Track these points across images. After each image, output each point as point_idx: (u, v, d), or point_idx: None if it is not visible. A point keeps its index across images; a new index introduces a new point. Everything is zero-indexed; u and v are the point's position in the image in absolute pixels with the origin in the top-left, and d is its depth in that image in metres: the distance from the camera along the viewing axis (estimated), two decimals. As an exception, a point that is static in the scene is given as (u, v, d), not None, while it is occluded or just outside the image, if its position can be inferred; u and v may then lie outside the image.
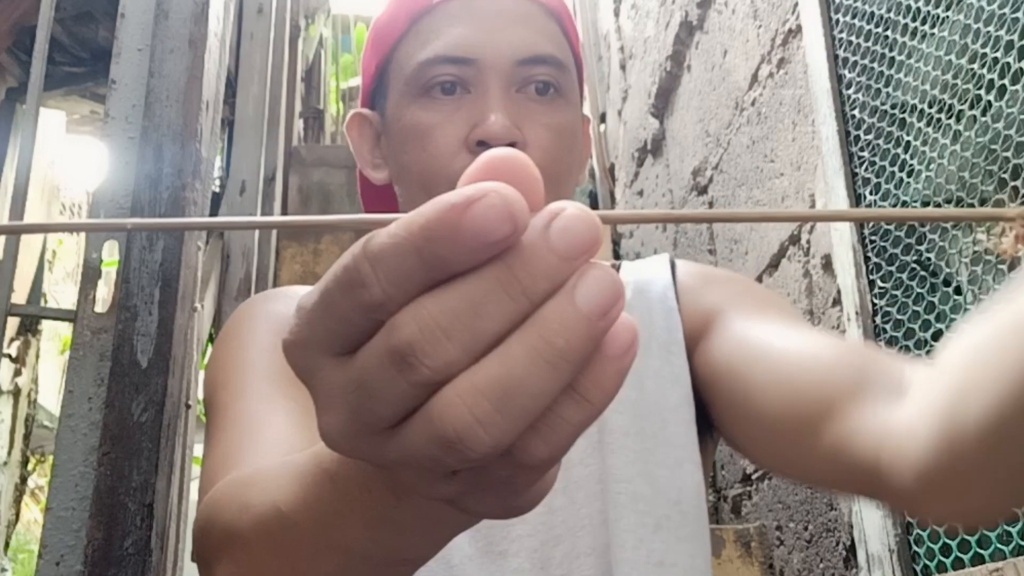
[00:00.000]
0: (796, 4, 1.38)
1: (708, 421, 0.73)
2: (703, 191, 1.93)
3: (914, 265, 1.05)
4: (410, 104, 0.74)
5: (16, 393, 3.41)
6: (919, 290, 1.03)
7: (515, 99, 0.72)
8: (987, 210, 0.30)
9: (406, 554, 0.35)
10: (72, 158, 5.04)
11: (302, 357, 0.27)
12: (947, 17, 0.98)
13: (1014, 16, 0.85)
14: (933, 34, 1.01)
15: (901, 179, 1.07)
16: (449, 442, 0.25)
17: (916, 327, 1.03)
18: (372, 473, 0.33)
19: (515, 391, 0.24)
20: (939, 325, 0.99)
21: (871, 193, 1.14)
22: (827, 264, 1.29)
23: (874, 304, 1.13)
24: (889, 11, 1.11)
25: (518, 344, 0.25)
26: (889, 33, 1.11)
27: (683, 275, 0.79)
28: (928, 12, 1.02)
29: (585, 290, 0.25)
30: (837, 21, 1.24)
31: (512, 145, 0.69)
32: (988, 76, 0.89)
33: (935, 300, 1.00)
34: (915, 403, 0.48)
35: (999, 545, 0.94)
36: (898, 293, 1.07)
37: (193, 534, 0.51)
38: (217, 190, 2.45)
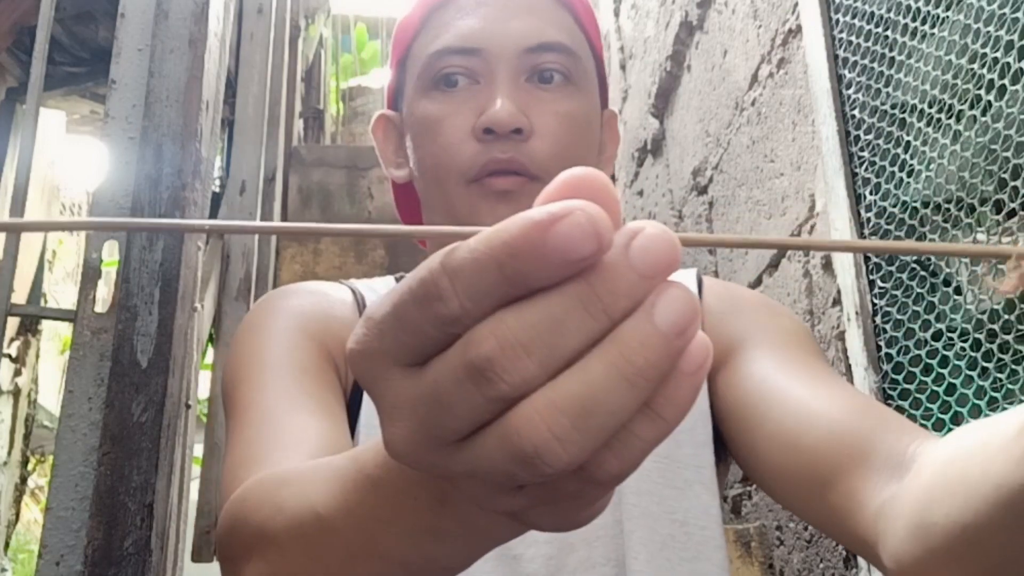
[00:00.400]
0: (796, 4, 1.38)
1: (721, 443, 0.73)
2: (703, 191, 1.93)
3: (914, 265, 1.05)
4: (422, 98, 0.74)
5: (16, 393, 3.41)
6: (919, 290, 1.03)
7: (523, 87, 0.72)
8: (990, 247, 0.30)
9: (446, 562, 0.35)
10: (72, 158, 5.04)
11: (370, 367, 0.27)
12: (947, 17, 0.98)
13: (1014, 16, 0.85)
14: (933, 34, 1.01)
15: (901, 179, 1.07)
16: (526, 458, 0.25)
17: (916, 327, 1.03)
18: (418, 481, 0.32)
19: (594, 409, 0.25)
20: (939, 325, 0.99)
21: (871, 193, 1.14)
22: (827, 264, 1.29)
23: (874, 304, 1.13)
24: (889, 11, 1.11)
25: (597, 362, 0.25)
26: (889, 33, 1.11)
27: (709, 296, 0.78)
28: (928, 12, 1.02)
29: (664, 309, 0.25)
30: (837, 21, 1.24)
31: (518, 132, 0.70)
32: (988, 76, 0.89)
33: (935, 300, 1.00)
34: (906, 492, 0.50)
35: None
36: (898, 293, 1.07)
37: (218, 532, 0.51)
38: (217, 190, 2.45)
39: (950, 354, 0.96)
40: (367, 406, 0.71)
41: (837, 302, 1.24)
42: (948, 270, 0.99)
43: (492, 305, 0.25)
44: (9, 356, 3.36)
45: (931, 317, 1.00)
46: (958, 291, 0.96)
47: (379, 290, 0.79)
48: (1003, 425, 0.39)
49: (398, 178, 0.80)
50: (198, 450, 2.17)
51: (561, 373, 0.25)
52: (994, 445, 0.39)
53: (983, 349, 0.90)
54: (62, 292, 5.03)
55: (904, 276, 1.06)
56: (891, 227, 1.09)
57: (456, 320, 0.25)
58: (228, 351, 0.74)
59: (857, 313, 1.14)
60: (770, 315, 0.75)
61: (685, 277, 0.80)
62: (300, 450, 0.57)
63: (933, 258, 1.01)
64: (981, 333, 0.90)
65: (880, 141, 1.13)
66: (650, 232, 0.25)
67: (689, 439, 0.71)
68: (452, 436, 0.26)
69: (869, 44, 1.15)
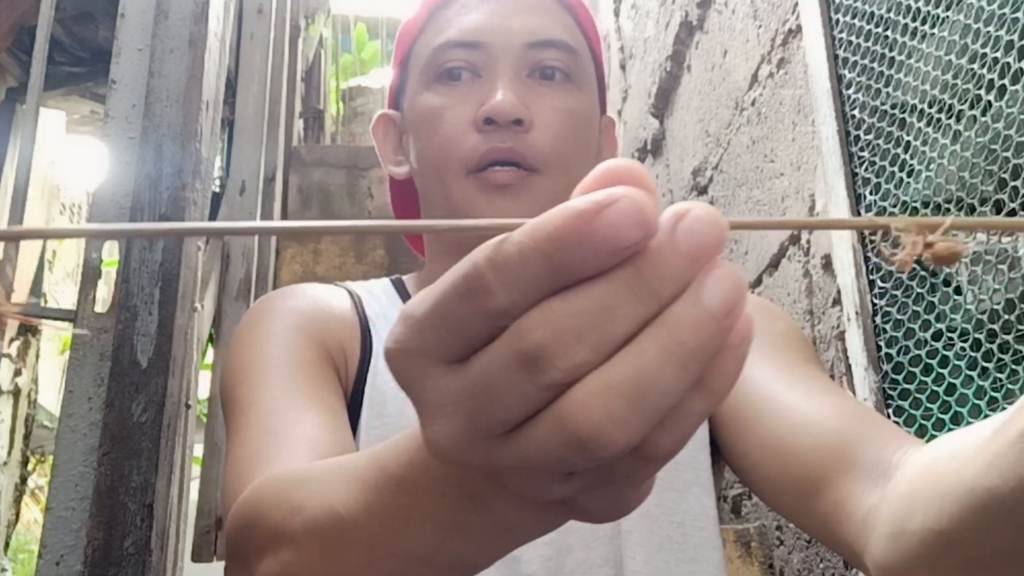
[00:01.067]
0: (796, 4, 1.38)
1: (716, 445, 0.74)
2: (703, 191, 1.93)
3: (914, 265, 1.05)
4: (424, 91, 0.75)
5: (16, 393, 3.41)
6: (919, 290, 1.03)
7: (525, 82, 0.73)
8: (870, 219, 0.30)
9: (471, 560, 0.35)
10: (72, 158, 5.03)
11: (410, 365, 0.27)
12: (947, 17, 0.98)
13: (1014, 16, 0.85)
14: (933, 34, 1.01)
15: (901, 179, 1.07)
16: (581, 443, 0.25)
17: (916, 327, 1.03)
18: (445, 478, 0.32)
19: (648, 390, 0.25)
20: (939, 325, 0.99)
21: (871, 193, 1.14)
22: (827, 264, 1.29)
23: (874, 304, 1.13)
24: (889, 11, 1.11)
25: (650, 344, 0.25)
26: (889, 33, 1.11)
27: None
28: (928, 12, 1.02)
29: (712, 289, 0.25)
30: (837, 21, 1.24)
31: (518, 123, 0.70)
32: (988, 76, 0.89)
33: (935, 300, 1.00)
34: (885, 499, 0.50)
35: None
36: (898, 293, 1.07)
37: (228, 531, 0.50)
38: (217, 190, 2.45)
39: (950, 354, 0.96)
40: (368, 407, 0.71)
41: (837, 302, 1.24)
42: (948, 270, 0.99)
43: (539, 296, 0.25)
44: (9, 356, 3.35)
45: (931, 317, 1.00)
46: (958, 291, 0.96)
47: (376, 292, 0.80)
48: (978, 431, 0.40)
49: (398, 175, 0.81)
50: (198, 450, 2.17)
51: (612, 357, 0.25)
52: (969, 450, 0.40)
53: (983, 349, 0.90)
54: (62, 292, 5.03)
55: (904, 276, 1.06)
56: (891, 227, 1.09)
57: (503, 313, 0.25)
58: (227, 351, 0.74)
59: (857, 313, 1.14)
60: (766, 318, 0.75)
61: None
62: (306, 448, 0.57)
63: (933, 258, 1.01)
64: (981, 333, 0.90)
65: (880, 141, 1.13)
66: (696, 214, 0.25)
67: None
68: (501, 428, 0.26)
69: (869, 44, 1.15)
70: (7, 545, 3.44)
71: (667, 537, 0.69)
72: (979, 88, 0.91)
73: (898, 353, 1.06)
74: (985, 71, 0.90)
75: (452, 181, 0.72)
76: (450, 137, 0.72)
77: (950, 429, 0.94)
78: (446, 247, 0.78)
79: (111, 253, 1.03)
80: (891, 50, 1.10)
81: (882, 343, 1.10)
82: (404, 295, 0.80)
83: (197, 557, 1.99)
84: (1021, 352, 0.84)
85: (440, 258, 0.79)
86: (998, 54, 0.87)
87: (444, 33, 0.75)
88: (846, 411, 0.61)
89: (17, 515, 3.56)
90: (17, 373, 3.41)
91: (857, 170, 1.18)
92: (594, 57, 0.80)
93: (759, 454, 0.65)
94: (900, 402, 1.05)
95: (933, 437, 0.97)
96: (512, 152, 0.71)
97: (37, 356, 3.62)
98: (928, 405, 0.99)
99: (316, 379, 0.66)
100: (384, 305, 0.78)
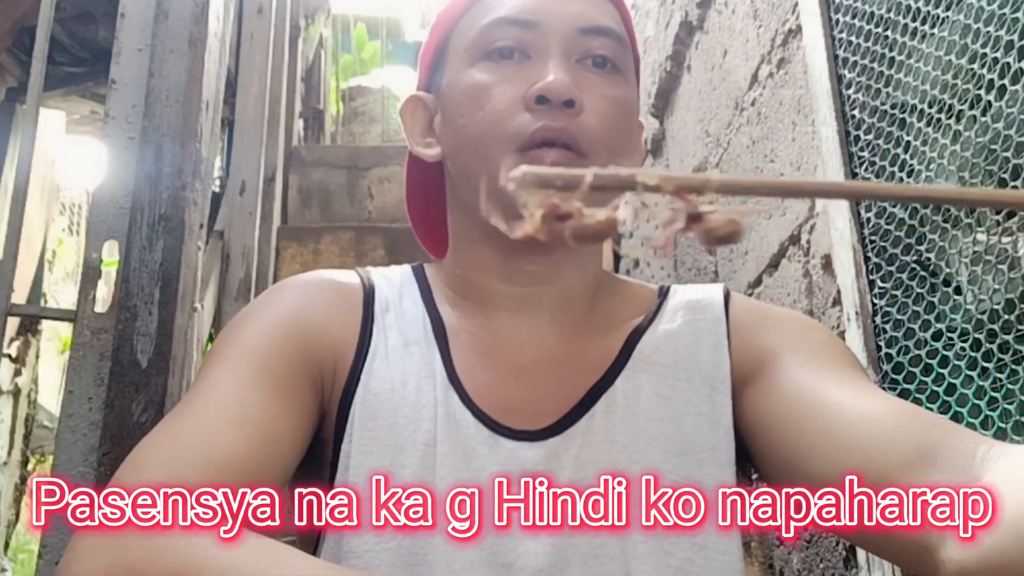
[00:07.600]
0: (796, 4, 1.38)
1: (745, 462, 0.72)
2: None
3: (914, 265, 1.04)
4: (469, 68, 0.73)
5: (16, 393, 3.41)
6: (919, 290, 1.03)
7: (575, 67, 0.72)
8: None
9: None
10: (72, 158, 5.03)
11: None
12: (947, 17, 0.98)
13: (1014, 16, 0.85)
14: (933, 34, 1.01)
15: (901, 179, 1.07)
16: None
17: (916, 327, 1.03)
18: None
19: None
20: (939, 325, 0.99)
21: (871, 193, 1.14)
22: (827, 264, 1.29)
23: (874, 304, 1.13)
24: (889, 11, 1.11)
25: None
26: (889, 33, 1.11)
27: (738, 310, 0.76)
28: (928, 12, 1.02)
29: None
30: (837, 21, 1.24)
31: (569, 104, 0.69)
32: (988, 76, 0.89)
33: (935, 300, 1.00)
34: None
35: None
36: (898, 293, 1.07)
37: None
38: (217, 190, 2.45)
39: (950, 354, 0.96)
40: (362, 409, 0.68)
41: (837, 302, 1.24)
42: (948, 270, 0.99)
43: None
44: (9, 356, 3.35)
45: (931, 317, 1.00)
46: (958, 291, 0.96)
47: (392, 278, 0.79)
48: None
49: (429, 156, 0.78)
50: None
51: None
52: None
53: (983, 349, 0.90)
54: (62, 292, 5.02)
55: (904, 276, 1.06)
56: (891, 227, 1.09)
57: None
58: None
59: (857, 313, 1.14)
60: (802, 328, 0.74)
61: (712, 292, 0.78)
62: (243, 433, 0.60)
63: (933, 258, 1.01)
64: (981, 333, 0.90)
65: (880, 141, 1.12)
66: None
67: (711, 459, 0.69)
68: None
69: (869, 44, 1.15)
70: (7, 545, 3.44)
71: (688, 560, 0.66)
72: (979, 88, 0.91)
73: (898, 353, 1.06)
74: (985, 71, 0.90)
75: (498, 158, 0.69)
76: (498, 114, 0.70)
77: (950, 429, 0.94)
78: (482, 232, 0.75)
79: (111, 253, 1.03)
80: (891, 50, 1.10)
81: (882, 343, 1.10)
82: (423, 282, 0.79)
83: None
84: (1021, 352, 0.84)
85: (468, 245, 0.77)
86: (998, 54, 0.87)
87: (495, 11, 0.73)
88: (905, 408, 0.60)
89: (17, 515, 3.56)
90: (17, 373, 3.41)
91: (857, 170, 1.18)
92: (634, 56, 0.81)
93: (809, 454, 0.63)
94: (900, 402, 1.05)
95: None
96: (563, 132, 0.69)
97: (37, 356, 3.62)
98: (928, 405, 0.99)
99: (279, 374, 0.67)
100: (398, 290, 0.77)
